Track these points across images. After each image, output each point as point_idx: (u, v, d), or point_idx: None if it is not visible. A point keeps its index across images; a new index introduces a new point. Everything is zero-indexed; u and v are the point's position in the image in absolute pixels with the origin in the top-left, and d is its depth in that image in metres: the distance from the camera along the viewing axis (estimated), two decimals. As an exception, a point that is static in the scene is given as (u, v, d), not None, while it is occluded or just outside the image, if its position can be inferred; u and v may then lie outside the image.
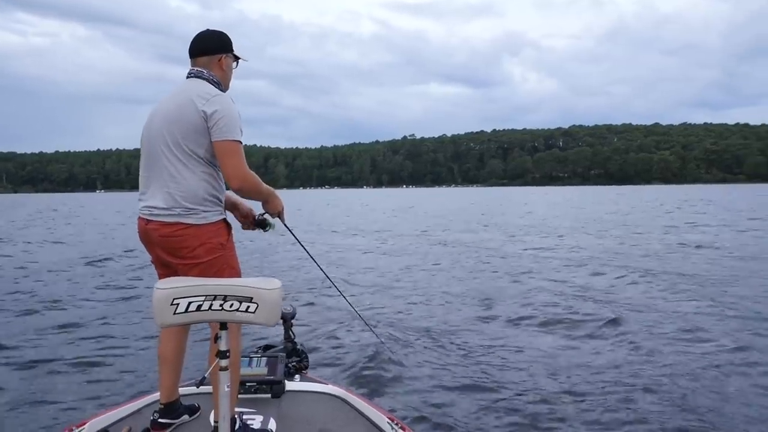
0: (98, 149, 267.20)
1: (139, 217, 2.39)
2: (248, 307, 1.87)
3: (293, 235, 2.85)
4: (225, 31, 2.55)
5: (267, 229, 2.72)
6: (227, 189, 2.46)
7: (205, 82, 2.39)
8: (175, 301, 1.84)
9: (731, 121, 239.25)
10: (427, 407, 3.99)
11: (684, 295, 7.76)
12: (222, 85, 2.47)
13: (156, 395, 2.59)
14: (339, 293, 3.76)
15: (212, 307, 1.86)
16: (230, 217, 2.47)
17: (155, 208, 2.32)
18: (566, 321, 6.48)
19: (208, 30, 2.53)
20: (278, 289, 1.92)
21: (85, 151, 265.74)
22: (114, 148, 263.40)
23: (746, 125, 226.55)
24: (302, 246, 3.11)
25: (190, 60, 2.48)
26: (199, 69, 2.43)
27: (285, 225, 2.68)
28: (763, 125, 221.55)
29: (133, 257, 12.61)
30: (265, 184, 2.48)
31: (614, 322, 6.25)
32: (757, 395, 4.18)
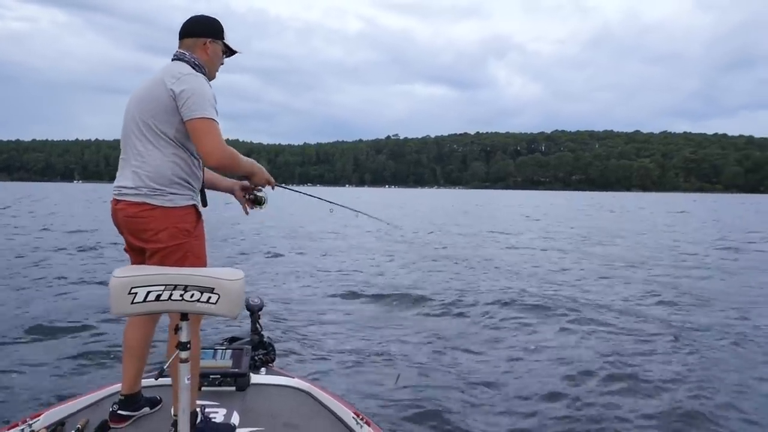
0: (77, 139, 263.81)
1: (112, 199, 2.33)
2: (209, 297, 1.80)
3: (303, 193, 2.91)
4: None
5: (263, 204, 2.67)
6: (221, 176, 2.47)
7: (183, 64, 2.33)
8: (133, 290, 1.77)
9: (710, 131, 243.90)
10: (393, 402, 3.99)
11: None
12: (205, 68, 2.40)
13: (117, 386, 2.53)
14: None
15: (172, 297, 1.79)
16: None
17: (124, 187, 2.27)
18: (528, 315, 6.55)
19: (201, 14, 2.51)
20: (241, 280, 1.86)
21: (64, 141, 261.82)
22: (93, 138, 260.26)
23: (724, 136, 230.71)
24: (321, 198, 3.09)
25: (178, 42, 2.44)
26: (181, 51, 2.39)
27: (284, 187, 2.67)
28: (740, 136, 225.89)
29: (101, 241, 12.30)
30: (244, 157, 2.43)
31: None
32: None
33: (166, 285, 1.79)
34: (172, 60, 2.38)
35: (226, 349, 2.87)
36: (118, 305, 1.79)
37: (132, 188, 2.25)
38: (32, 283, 8.09)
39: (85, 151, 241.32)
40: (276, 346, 3.32)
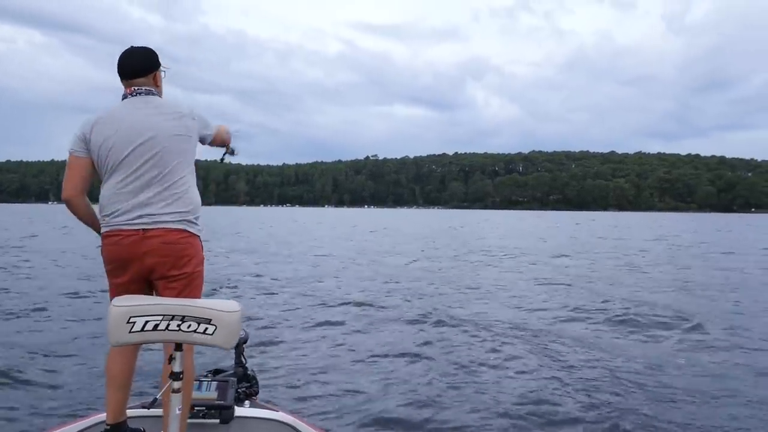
0: (53, 159, 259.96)
1: (122, 231, 2.31)
2: (206, 328, 1.83)
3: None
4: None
5: (234, 153, 3.10)
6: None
7: (166, 99, 2.51)
8: (132, 319, 1.79)
9: (683, 152, 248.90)
10: None
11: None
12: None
13: (101, 416, 2.50)
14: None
15: (169, 327, 1.82)
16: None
17: (158, 215, 2.31)
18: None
19: (135, 49, 2.50)
20: (238, 312, 1.88)
21: (39, 161, 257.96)
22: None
23: (697, 156, 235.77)
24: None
25: (123, 81, 2.46)
26: (147, 88, 2.44)
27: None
28: (713, 156, 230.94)
29: (78, 270, 12.01)
30: (221, 128, 2.83)
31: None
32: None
33: (164, 315, 1.81)
34: (141, 94, 2.43)
35: (211, 380, 2.82)
36: (116, 334, 1.80)
37: (171, 214, 2.32)
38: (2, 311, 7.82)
39: (61, 172, 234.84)
40: (259, 377, 3.26)
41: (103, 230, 2.38)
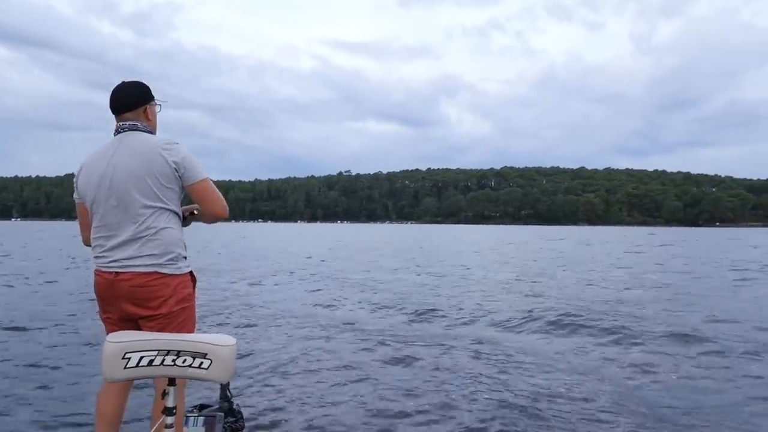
0: (16, 175, 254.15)
1: (101, 272, 2.36)
2: (201, 363, 1.82)
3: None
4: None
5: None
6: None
7: (148, 135, 2.43)
8: (127, 355, 1.79)
9: (650, 168, 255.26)
10: None
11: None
12: (153, 133, 2.50)
13: None
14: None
15: (164, 362, 1.81)
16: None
17: (129, 259, 2.31)
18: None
19: (125, 84, 2.48)
20: (233, 346, 1.88)
21: (2, 177, 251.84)
22: (34, 175, 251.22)
23: (664, 172, 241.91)
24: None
25: (115, 116, 2.46)
26: (132, 123, 2.42)
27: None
28: (679, 172, 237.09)
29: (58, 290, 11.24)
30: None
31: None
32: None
33: (159, 350, 1.81)
34: (125, 130, 2.41)
35: (198, 416, 2.80)
36: (110, 370, 1.79)
37: (140, 258, 2.30)
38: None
39: (25, 188, 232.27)
40: (244, 411, 3.22)
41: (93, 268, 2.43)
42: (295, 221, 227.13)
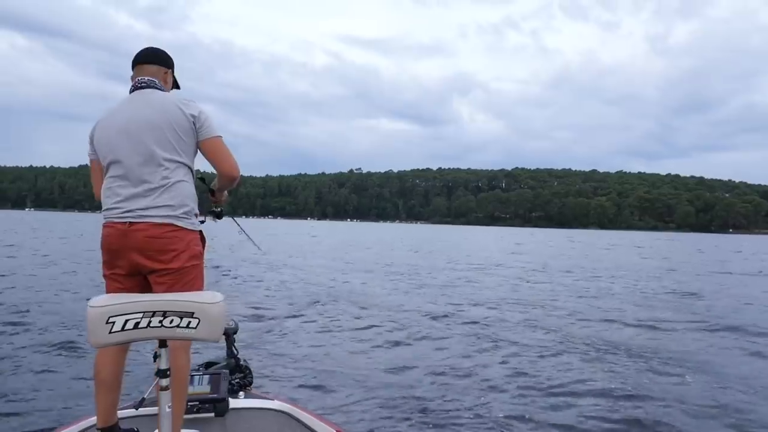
0: (31, 165, 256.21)
1: (112, 224, 2.32)
2: (189, 322, 1.76)
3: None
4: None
5: (221, 217, 2.96)
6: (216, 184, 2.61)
7: (164, 92, 2.46)
8: (111, 319, 1.72)
9: (663, 172, 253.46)
10: (376, 418, 4.02)
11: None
12: None
13: (92, 419, 2.44)
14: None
15: (151, 324, 1.75)
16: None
17: (144, 209, 2.29)
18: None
19: (153, 47, 2.58)
20: (221, 303, 1.82)
21: (17, 167, 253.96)
22: (48, 165, 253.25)
23: (677, 176, 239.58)
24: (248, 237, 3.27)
25: (135, 68, 2.49)
26: (150, 79, 2.44)
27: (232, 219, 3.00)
28: (692, 177, 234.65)
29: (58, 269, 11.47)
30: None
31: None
32: None
33: (144, 312, 1.74)
34: (143, 87, 2.42)
35: (203, 374, 2.81)
36: (96, 336, 1.74)
37: (155, 209, 2.29)
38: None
39: (39, 178, 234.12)
40: (253, 367, 3.24)
41: (102, 221, 2.40)
42: (305, 218, 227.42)
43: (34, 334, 6.55)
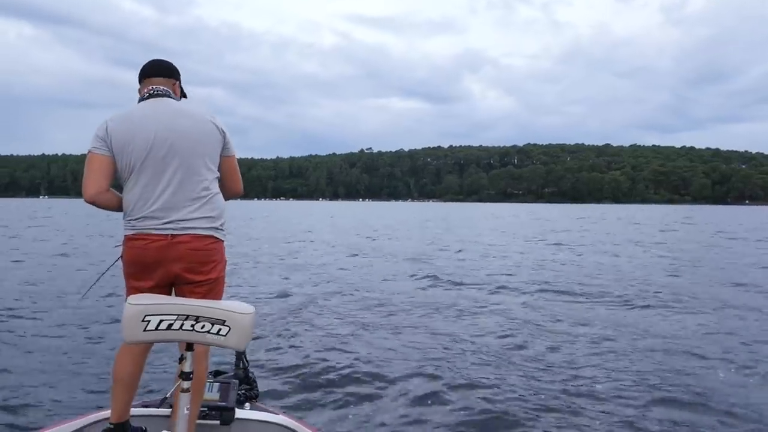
0: (43, 154, 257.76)
1: (150, 235, 2.27)
2: (220, 329, 1.83)
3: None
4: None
5: None
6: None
7: (190, 104, 2.48)
8: (146, 318, 1.80)
9: (678, 144, 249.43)
10: None
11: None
12: None
13: (103, 413, 2.49)
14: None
15: (183, 327, 1.82)
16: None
17: (186, 220, 2.28)
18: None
19: (160, 59, 2.57)
20: (252, 314, 1.88)
21: (29, 156, 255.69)
22: (60, 153, 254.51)
23: (692, 148, 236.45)
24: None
25: (143, 81, 2.46)
26: (165, 88, 2.42)
27: None
28: (707, 149, 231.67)
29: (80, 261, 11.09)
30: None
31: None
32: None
33: (178, 315, 1.82)
34: (162, 96, 2.40)
35: (213, 381, 2.80)
36: (131, 332, 1.81)
37: (198, 220, 2.30)
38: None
39: (52, 166, 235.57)
40: (259, 380, 3.23)
41: (127, 233, 2.33)
42: (317, 199, 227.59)
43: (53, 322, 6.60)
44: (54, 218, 38.86)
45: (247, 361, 3.19)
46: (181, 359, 1.95)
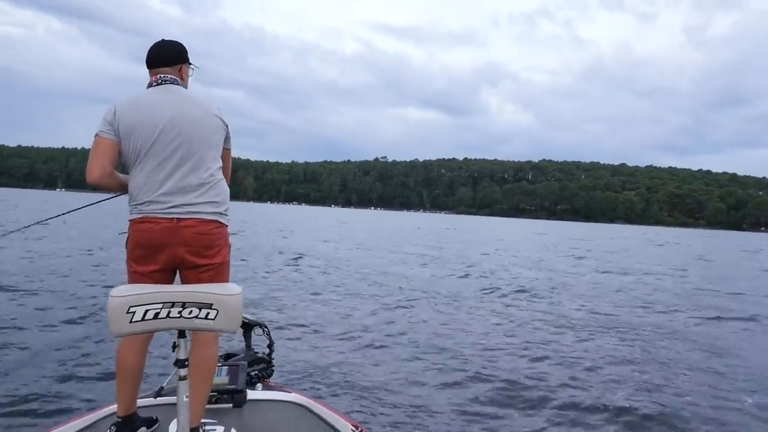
0: (63, 147, 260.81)
1: (156, 219, 2.29)
2: (208, 313, 1.79)
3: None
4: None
5: None
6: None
7: (188, 90, 2.50)
8: (131, 309, 1.75)
9: (695, 167, 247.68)
10: (392, 413, 4.04)
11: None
12: None
13: (112, 407, 2.47)
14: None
15: (170, 315, 1.78)
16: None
17: (192, 204, 2.32)
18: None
19: (164, 41, 2.52)
20: (238, 295, 1.84)
21: (49, 148, 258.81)
22: (80, 147, 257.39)
23: (709, 172, 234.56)
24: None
25: (150, 70, 2.47)
26: (173, 77, 2.45)
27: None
28: (724, 173, 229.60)
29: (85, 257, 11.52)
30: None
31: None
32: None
33: (164, 303, 1.77)
34: (170, 83, 2.42)
35: (221, 365, 2.85)
36: (116, 325, 1.76)
37: (203, 204, 2.34)
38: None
39: (70, 159, 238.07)
40: (275, 361, 3.28)
41: (133, 217, 2.34)
42: (329, 205, 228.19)
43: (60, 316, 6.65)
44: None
45: (270, 339, 3.25)
46: (174, 347, 1.93)
